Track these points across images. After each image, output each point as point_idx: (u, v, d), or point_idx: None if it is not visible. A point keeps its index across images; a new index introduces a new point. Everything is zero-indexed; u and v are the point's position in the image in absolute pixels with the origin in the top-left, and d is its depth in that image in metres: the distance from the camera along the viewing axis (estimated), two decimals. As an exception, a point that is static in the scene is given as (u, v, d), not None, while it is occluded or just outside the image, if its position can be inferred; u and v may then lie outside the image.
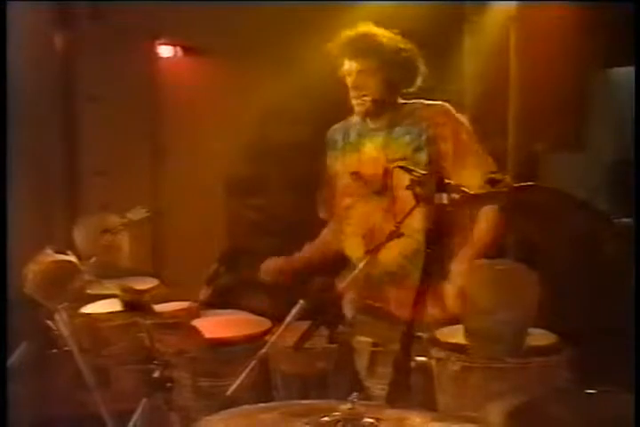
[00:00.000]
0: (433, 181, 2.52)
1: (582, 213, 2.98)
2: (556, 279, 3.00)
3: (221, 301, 3.62)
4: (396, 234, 2.74)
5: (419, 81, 3.38)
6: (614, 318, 3.37)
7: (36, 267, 3.48)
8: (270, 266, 3.71)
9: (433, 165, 3.20)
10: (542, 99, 5.35)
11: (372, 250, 2.83)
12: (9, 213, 3.97)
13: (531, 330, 2.94)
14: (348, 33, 3.33)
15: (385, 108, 3.37)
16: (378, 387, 3.15)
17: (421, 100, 3.41)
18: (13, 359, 3.56)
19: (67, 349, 3.52)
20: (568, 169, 5.61)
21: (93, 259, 3.73)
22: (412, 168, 2.71)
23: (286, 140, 5.60)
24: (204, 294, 3.33)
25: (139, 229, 4.30)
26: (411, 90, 3.40)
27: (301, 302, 2.78)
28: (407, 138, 3.32)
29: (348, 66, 3.34)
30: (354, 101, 3.37)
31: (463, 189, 2.56)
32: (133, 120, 5.53)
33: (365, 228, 3.40)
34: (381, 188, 3.36)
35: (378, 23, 3.44)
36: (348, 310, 3.36)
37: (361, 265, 2.79)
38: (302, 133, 5.32)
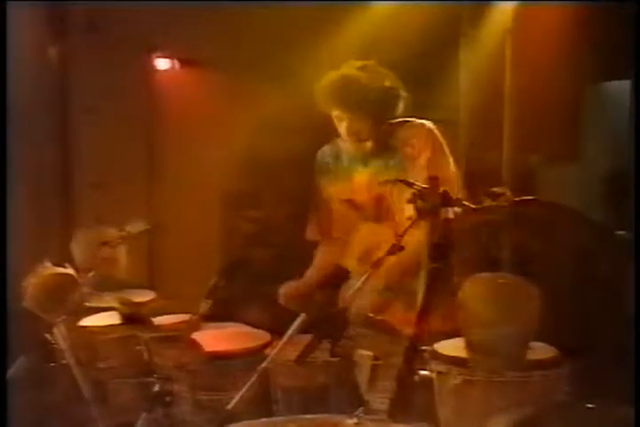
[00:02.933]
0: (435, 195, 2.53)
1: (582, 226, 2.98)
2: (556, 293, 3.00)
3: (220, 314, 3.61)
4: (397, 248, 2.74)
5: (401, 107, 3.40)
6: (614, 332, 3.38)
7: (35, 280, 3.46)
8: (290, 291, 3.70)
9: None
10: (538, 111, 5.37)
11: (374, 264, 2.82)
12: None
13: (531, 344, 2.94)
14: (333, 79, 3.34)
15: (372, 135, 3.41)
16: (378, 401, 3.14)
17: (403, 120, 3.44)
18: (11, 372, 3.54)
19: (65, 362, 3.50)
20: (563, 181, 5.63)
21: (92, 273, 3.71)
22: (413, 182, 2.71)
23: (283, 153, 5.60)
24: (203, 307, 3.32)
25: (136, 242, 4.29)
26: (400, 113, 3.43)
27: (302, 315, 2.78)
28: (392, 161, 3.38)
29: (338, 113, 3.37)
30: (349, 143, 3.41)
31: (465, 203, 2.57)
32: (130, 132, 5.54)
33: (362, 252, 3.45)
34: (375, 214, 3.41)
35: (361, 54, 3.46)
36: (349, 324, 3.36)
37: (362, 279, 2.78)
38: (299, 146, 5.33)
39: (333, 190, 3.57)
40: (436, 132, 3.40)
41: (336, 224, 3.61)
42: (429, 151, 3.33)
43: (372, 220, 3.44)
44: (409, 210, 3.17)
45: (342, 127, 3.39)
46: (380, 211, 3.41)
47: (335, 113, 3.38)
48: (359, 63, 3.41)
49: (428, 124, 3.42)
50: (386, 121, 3.42)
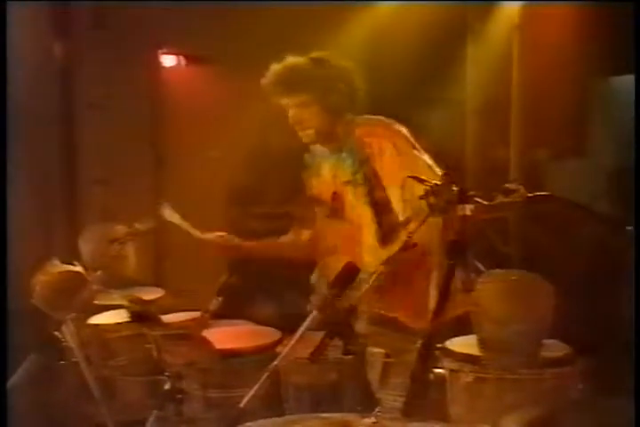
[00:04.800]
0: (448, 192, 2.51)
1: (596, 223, 2.96)
2: (569, 290, 2.99)
3: (230, 311, 3.60)
4: (409, 244, 2.72)
5: (359, 98, 3.37)
6: (628, 329, 3.37)
7: (44, 278, 3.45)
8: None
9: (369, 185, 3.25)
10: (545, 107, 5.37)
11: (385, 262, 2.80)
12: (9, 222, 3.95)
13: (544, 341, 2.93)
14: (276, 68, 3.31)
15: (332, 132, 3.38)
16: (390, 398, 3.12)
17: (362, 117, 3.40)
18: (21, 371, 3.53)
19: (75, 360, 3.49)
20: (570, 176, 5.62)
21: (99, 272, 3.70)
22: (424, 178, 2.69)
23: (288, 149, 5.59)
24: (214, 304, 3.30)
25: (144, 239, 4.27)
26: (355, 107, 3.38)
27: (314, 312, 2.76)
28: (349, 160, 3.35)
29: (284, 102, 3.35)
30: (299, 133, 3.39)
31: (477, 199, 2.55)
32: (135, 129, 5.52)
33: (327, 248, 3.46)
34: (331, 211, 3.41)
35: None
36: (360, 321, 3.35)
37: (374, 277, 2.76)
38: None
39: (309, 187, 3.59)
40: (396, 128, 3.32)
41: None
42: (392, 150, 3.28)
43: (331, 217, 3.44)
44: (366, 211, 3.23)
45: (289, 116, 3.37)
46: (335, 208, 3.41)
47: (283, 101, 3.36)
48: (312, 54, 3.37)
49: (387, 121, 3.35)
50: (339, 111, 3.36)
